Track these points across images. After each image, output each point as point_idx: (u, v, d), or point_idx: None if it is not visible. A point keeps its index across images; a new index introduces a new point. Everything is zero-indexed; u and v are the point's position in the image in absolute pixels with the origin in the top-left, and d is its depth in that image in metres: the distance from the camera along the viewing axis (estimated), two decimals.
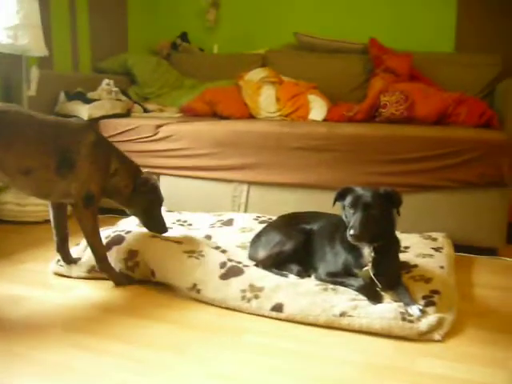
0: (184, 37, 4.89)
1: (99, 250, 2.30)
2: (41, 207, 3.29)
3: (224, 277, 2.19)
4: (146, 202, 2.45)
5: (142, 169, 2.52)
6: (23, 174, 2.11)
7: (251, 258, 2.44)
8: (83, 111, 3.56)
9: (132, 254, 2.37)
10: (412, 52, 3.96)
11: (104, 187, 2.30)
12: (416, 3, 4.32)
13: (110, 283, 2.33)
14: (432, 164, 2.92)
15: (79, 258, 2.45)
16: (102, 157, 2.29)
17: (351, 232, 2.00)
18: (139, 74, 4.43)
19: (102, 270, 2.33)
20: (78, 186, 2.19)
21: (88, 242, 2.30)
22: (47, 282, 2.38)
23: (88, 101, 3.66)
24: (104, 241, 2.40)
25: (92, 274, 2.39)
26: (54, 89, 3.72)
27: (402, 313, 1.91)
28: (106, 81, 3.91)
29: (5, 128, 2.06)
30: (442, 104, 3.45)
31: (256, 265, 2.34)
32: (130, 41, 4.90)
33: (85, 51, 4.35)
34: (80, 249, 2.50)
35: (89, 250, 2.44)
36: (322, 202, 2.67)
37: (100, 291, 2.28)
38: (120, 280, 2.33)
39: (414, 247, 2.60)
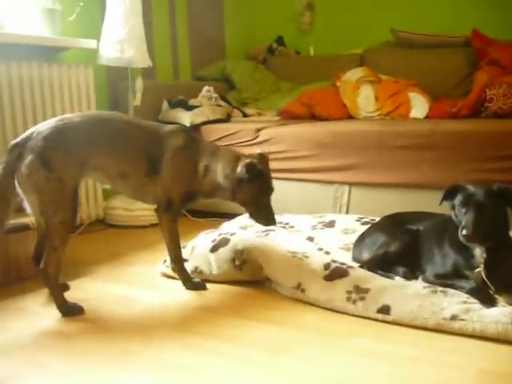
0: (280, 41, 4.93)
1: (174, 251, 2.37)
2: (147, 212, 3.43)
3: (328, 278, 2.17)
4: (252, 191, 2.26)
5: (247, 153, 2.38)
6: (121, 178, 2.24)
7: (355, 259, 2.41)
8: (185, 118, 3.68)
9: (239, 253, 2.40)
10: None
11: (188, 194, 2.32)
12: None
13: (215, 285, 2.38)
14: None
15: (186, 260, 2.53)
16: (186, 162, 2.29)
17: (464, 232, 1.93)
18: (237, 79, 4.52)
19: (174, 270, 2.40)
20: (161, 191, 2.26)
21: (165, 242, 2.36)
22: (155, 284, 2.47)
23: (189, 108, 3.78)
24: (210, 244, 2.49)
25: (194, 275, 2.44)
26: (157, 98, 3.87)
27: None
28: (206, 88, 4.02)
29: (107, 135, 2.20)
30: None
31: (361, 266, 2.30)
32: (227, 47, 5.01)
33: (185, 60, 4.51)
34: (187, 251, 2.58)
35: (194, 253, 2.52)
36: (426, 202, 2.60)
37: (205, 292, 2.33)
38: (190, 285, 2.36)
39: None
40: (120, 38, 3.22)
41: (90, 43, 3.25)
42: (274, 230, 2.60)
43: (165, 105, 3.87)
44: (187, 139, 2.32)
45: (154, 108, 3.84)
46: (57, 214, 2.05)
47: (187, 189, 2.31)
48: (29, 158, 2.03)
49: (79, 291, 2.34)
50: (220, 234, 2.58)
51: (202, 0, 4.63)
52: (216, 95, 4.00)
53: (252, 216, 2.34)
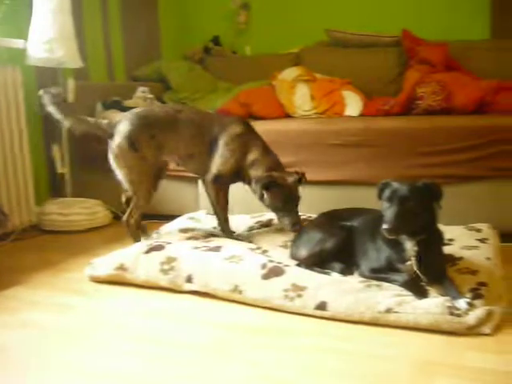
0: (216, 40, 4.91)
1: (220, 214, 2.79)
2: (83, 216, 3.37)
3: (265, 277, 2.17)
4: (271, 199, 2.62)
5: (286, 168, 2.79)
6: (189, 158, 2.74)
7: (293, 257, 2.42)
8: None
9: (170, 259, 2.37)
10: (447, 41, 3.89)
11: (235, 172, 2.71)
12: None
13: (150, 290, 2.36)
14: (473, 154, 2.87)
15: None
16: (240, 147, 2.69)
17: (385, 226, 1.97)
18: (173, 79, 4.47)
19: (222, 230, 2.80)
20: (214, 165, 2.70)
21: (212, 207, 2.82)
22: (92, 290, 2.40)
23: (124, 109, 3.70)
24: (145, 248, 2.47)
25: (118, 271, 2.42)
26: (90, 99, 3.79)
27: (449, 307, 1.86)
28: (141, 88, 3.96)
29: (180, 124, 2.69)
30: (479, 92, 3.38)
31: (298, 264, 2.32)
32: (162, 48, 4.95)
33: (119, 60, 4.42)
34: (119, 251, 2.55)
35: (125, 251, 2.53)
36: (362, 198, 2.64)
37: (146, 297, 2.30)
38: (231, 237, 2.74)
39: (459, 239, 2.54)
40: (49, 38, 3.12)
41: (17, 43, 3.14)
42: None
43: (99, 106, 3.79)
44: (244, 129, 2.73)
45: (87, 109, 3.74)
46: (142, 183, 2.67)
47: (235, 169, 2.71)
48: (118, 139, 2.63)
49: (13, 300, 2.26)
50: (157, 241, 2.57)
51: None
52: (151, 96, 3.95)
53: (277, 219, 2.69)
